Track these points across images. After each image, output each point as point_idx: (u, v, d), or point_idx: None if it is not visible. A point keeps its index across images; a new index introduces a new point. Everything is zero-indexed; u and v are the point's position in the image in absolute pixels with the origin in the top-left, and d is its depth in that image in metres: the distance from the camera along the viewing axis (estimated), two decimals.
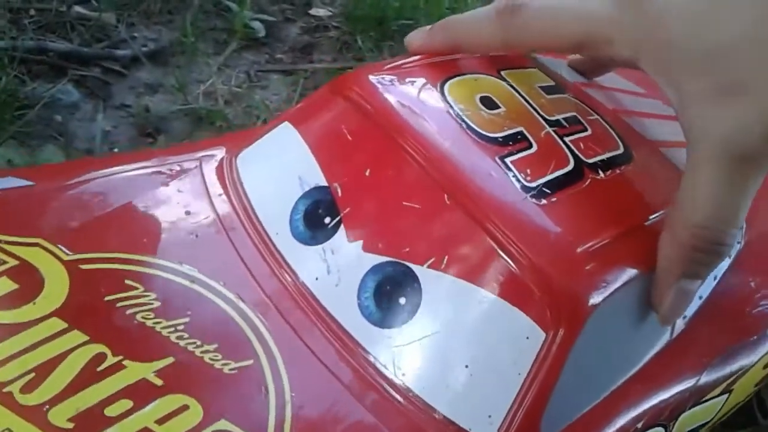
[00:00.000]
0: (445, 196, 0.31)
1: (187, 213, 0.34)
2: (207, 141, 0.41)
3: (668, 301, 0.32)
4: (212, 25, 0.66)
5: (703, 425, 0.39)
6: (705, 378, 0.37)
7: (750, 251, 0.42)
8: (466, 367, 0.30)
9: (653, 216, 0.33)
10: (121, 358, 0.28)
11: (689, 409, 0.37)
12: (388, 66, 0.36)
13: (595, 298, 0.31)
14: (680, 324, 0.37)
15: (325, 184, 0.34)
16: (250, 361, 0.29)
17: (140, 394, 0.27)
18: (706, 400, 0.38)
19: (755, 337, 0.39)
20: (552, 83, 0.39)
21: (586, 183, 0.33)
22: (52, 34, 0.62)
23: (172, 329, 0.29)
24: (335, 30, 0.70)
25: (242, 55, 0.65)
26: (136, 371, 0.28)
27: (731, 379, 0.38)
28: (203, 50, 0.64)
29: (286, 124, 0.36)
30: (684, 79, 0.31)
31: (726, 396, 0.39)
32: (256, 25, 0.67)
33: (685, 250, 0.31)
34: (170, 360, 0.28)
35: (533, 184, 0.32)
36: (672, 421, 0.36)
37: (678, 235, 0.31)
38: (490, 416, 0.30)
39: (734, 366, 0.39)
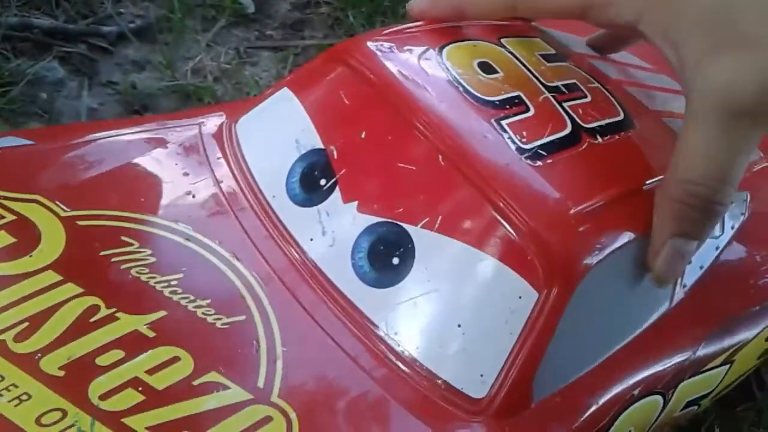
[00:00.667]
0: (439, 156, 0.31)
1: (185, 174, 0.35)
2: (207, 107, 0.42)
3: (662, 259, 0.32)
4: (200, 1, 0.65)
5: (704, 396, 0.39)
6: (705, 347, 0.37)
7: (755, 223, 0.41)
8: (459, 326, 0.30)
9: (651, 181, 0.33)
10: (114, 310, 0.28)
11: (689, 378, 0.37)
12: (387, 32, 0.36)
13: (589, 260, 0.30)
14: (680, 292, 0.36)
15: (322, 146, 0.34)
16: (243, 317, 0.30)
17: (132, 344, 0.28)
18: (707, 370, 0.37)
19: (757, 308, 0.39)
20: (553, 51, 0.39)
21: (583, 147, 0.33)
22: (37, 10, 0.60)
23: (166, 284, 0.30)
24: (326, 6, 0.68)
25: (231, 32, 0.64)
26: (128, 323, 0.28)
27: (732, 350, 0.38)
28: (191, 27, 0.62)
29: (285, 90, 0.37)
30: (682, 38, 0.31)
31: (727, 366, 0.38)
32: (246, 1, 0.66)
33: (678, 206, 0.31)
34: (163, 313, 0.29)
35: (529, 146, 0.32)
36: (671, 389, 0.36)
37: (671, 191, 0.31)
38: (482, 375, 0.30)
39: (735, 337, 0.38)
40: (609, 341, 0.34)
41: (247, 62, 0.61)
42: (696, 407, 0.39)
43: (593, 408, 0.32)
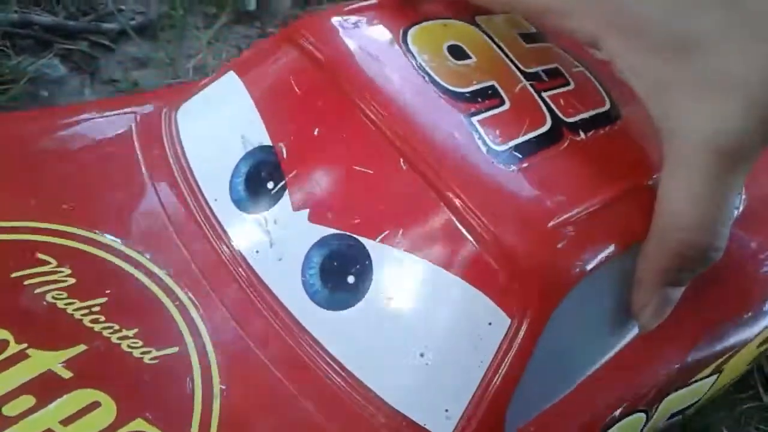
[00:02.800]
0: (401, 160, 0.28)
1: (116, 175, 0.31)
2: (148, 93, 0.37)
3: (650, 310, 0.30)
4: None
5: (689, 406, 0.36)
6: (692, 358, 0.34)
7: (748, 216, 0.38)
8: (422, 355, 0.27)
9: (639, 184, 0.30)
10: (24, 346, 0.25)
11: (674, 392, 0.34)
12: (348, 8, 0.32)
13: (569, 279, 0.27)
14: None
15: (270, 143, 0.30)
16: (175, 349, 0.26)
17: (44, 388, 0.24)
18: (693, 382, 0.35)
19: (749, 314, 0.36)
20: (534, 30, 0.34)
21: (564, 145, 0.29)
22: (37, 6, 0.60)
23: (87, 311, 0.26)
24: (329, 2, 0.68)
25: (233, 29, 0.63)
26: (41, 361, 0.25)
27: (723, 358, 0.35)
28: (193, 24, 0.62)
29: (231, 73, 0.32)
30: (655, 67, 0.28)
31: (715, 377, 0.36)
32: None
33: (672, 258, 0.28)
34: (82, 348, 0.25)
35: (502, 148, 0.28)
36: (654, 405, 0.33)
37: (663, 242, 0.28)
38: (447, 410, 0.27)
39: (726, 344, 0.35)
40: (587, 362, 0.30)
41: None
42: (680, 417, 0.36)
43: None
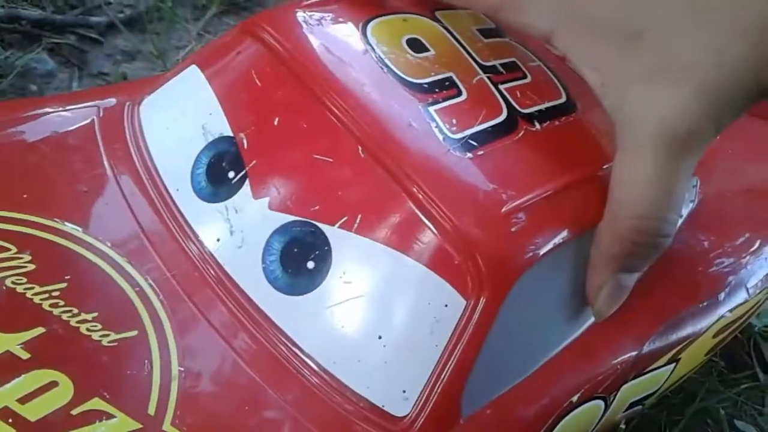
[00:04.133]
0: (359, 148, 0.28)
1: (78, 166, 0.31)
2: (112, 86, 0.38)
3: (604, 297, 0.30)
4: None
5: (648, 396, 0.37)
6: (649, 347, 0.34)
7: (703, 208, 0.39)
8: (380, 338, 0.27)
9: (592, 172, 0.30)
10: None
11: (632, 380, 0.34)
12: (307, 2, 0.33)
13: (523, 262, 0.28)
14: None
15: (230, 134, 0.30)
16: (134, 333, 0.26)
17: (2, 368, 0.24)
18: (651, 370, 0.35)
19: (705, 303, 0.37)
20: (492, 25, 0.35)
21: (519, 135, 0.30)
22: (24, 1, 0.60)
23: (46, 296, 0.26)
24: None
25: (222, 20, 0.63)
26: None
27: (678, 347, 0.36)
28: (182, 16, 0.62)
29: (193, 67, 0.33)
30: (609, 59, 0.28)
31: (673, 365, 0.36)
32: None
33: (624, 244, 0.29)
34: (40, 330, 0.25)
35: (458, 136, 0.29)
36: (612, 393, 0.34)
37: (615, 227, 0.29)
38: (404, 391, 0.27)
39: (682, 334, 0.36)
40: (544, 346, 0.31)
41: None
42: (640, 407, 0.37)
43: (528, 419, 0.30)
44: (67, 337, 0.25)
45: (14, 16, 0.57)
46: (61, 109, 0.33)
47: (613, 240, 0.29)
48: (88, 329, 0.26)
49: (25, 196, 0.29)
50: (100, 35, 0.59)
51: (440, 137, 0.29)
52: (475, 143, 0.29)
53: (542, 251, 0.28)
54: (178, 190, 0.30)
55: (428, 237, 0.27)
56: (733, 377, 0.43)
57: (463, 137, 0.29)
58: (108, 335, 0.26)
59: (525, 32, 0.31)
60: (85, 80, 0.55)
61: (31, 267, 0.27)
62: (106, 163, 0.31)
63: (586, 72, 0.29)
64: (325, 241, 0.28)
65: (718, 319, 0.38)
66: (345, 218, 0.28)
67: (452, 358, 0.27)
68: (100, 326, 0.26)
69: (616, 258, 0.30)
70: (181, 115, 0.32)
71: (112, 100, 0.34)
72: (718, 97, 0.27)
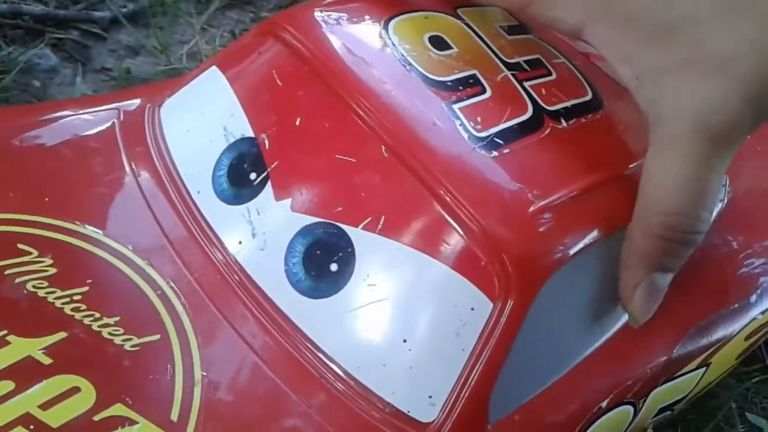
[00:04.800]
0: (383, 148, 0.28)
1: (99, 169, 0.31)
2: (132, 89, 0.37)
3: (639, 298, 0.29)
4: None
5: (678, 401, 0.36)
6: (679, 351, 0.34)
7: (733, 208, 0.38)
8: (404, 341, 0.27)
9: (620, 171, 0.30)
10: (5, 333, 0.25)
11: (662, 384, 0.34)
12: (328, 1, 0.32)
13: (550, 264, 0.27)
14: None
15: (252, 135, 0.30)
16: (157, 337, 0.26)
17: (24, 374, 0.24)
18: (681, 375, 0.34)
19: (736, 305, 0.36)
20: (515, 22, 0.35)
21: (545, 132, 0.30)
22: None
23: (68, 300, 0.26)
24: None
25: (226, 14, 0.63)
26: (21, 348, 0.24)
27: (709, 351, 0.35)
28: (185, 10, 0.61)
29: (214, 68, 0.32)
30: (643, 52, 0.28)
31: (703, 370, 0.36)
32: None
33: (656, 242, 0.28)
34: (62, 335, 0.25)
35: (483, 134, 0.28)
36: (642, 398, 0.33)
37: (647, 225, 0.28)
38: (430, 397, 0.26)
39: (713, 337, 0.35)
40: (573, 350, 0.30)
41: None
42: (670, 412, 0.36)
43: (557, 425, 0.29)
44: (89, 342, 0.25)
45: (17, 11, 0.57)
46: (81, 112, 0.32)
47: (645, 237, 0.28)
48: (110, 333, 0.25)
49: (46, 199, 0.29)
50: (103, 30, 0.58)
51: (465, 136, 0.28)
52: (500, 141, 0.28)
53: (570, 252, 0.28)
54: (199, 192, 0.30)
55: (454, 238, 0.26)
56: (744, 370, 0.42)
57: (488, 135, 0.28)
58: (130, 339, 0.25)
59: (555, 27, 0.31)
60: (89, 75, 0.55)
61: (53, 271, 0.26)
62: (126, 166, 0.31)
63: (619, 66, 0.29)
64: (349, 243, 0.27)
65: (750, 322, 0.37)
66: (369, 219, 0.27)
67: (479, 362, 0.26)
68: (122, 330, 0.26)
69: (648, 256, 0.29)
70: (201, 117, 0.32)
71: (133, 103, 0.33)
72: (757, 90, 0.26)
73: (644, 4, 0.28)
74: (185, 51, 0.57)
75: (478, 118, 0.29)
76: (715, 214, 0.37)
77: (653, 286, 0.29)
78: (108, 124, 0.32)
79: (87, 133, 0.32)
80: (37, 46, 0.55)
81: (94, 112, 0.32)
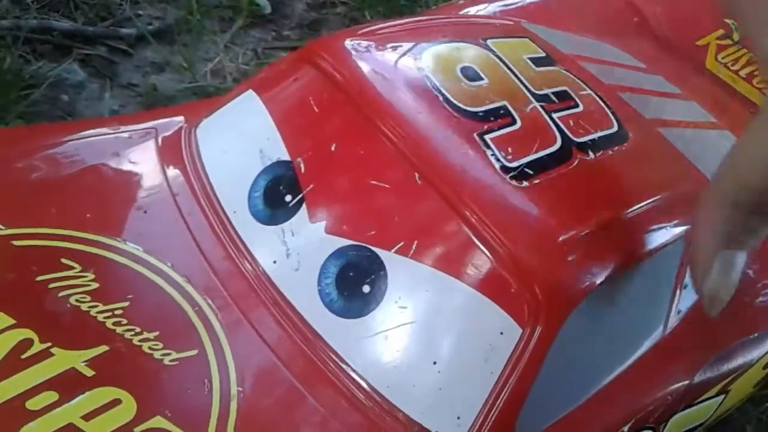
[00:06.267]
0: (416, 175, 0.28)
1: (138, 186, 0.31)
2: (168, 108, 0.38)
3: (714, 276, 0.27)
4: (217, 2, 0.65)
5: (697, 426, 0.37)
6: (699, 378, 0.34)
7: None
8: (434, 363, 0.27)
9: (645, 203, 0.30)
10: (49, 345, 0.25)
11: (682, 410, 0.34)
12: (363, 31, 0.33)
13: (578, 292, 0.28)
14: (674, 318, 0.34)
15: (288, 158, 0.31)
16: (194, 352, 0.27)
17: (67, 385, 0.25)
18: (701, 402, 0.35)
19: (756, 335, 0.36)
20: (543, 54, 0.36)
21: (574, 164, 0.30)
22: (56, 12, 0.60)
23: (110, 314, 0.27)
24: (342, 6, 0.69)
25: (249, 33, 0.64)
26: (64, 360, 0.25)
27: (728, 379, 0.36)
28: (209, 28, 0.63)
29: (250, 92, 0.33)
30: (747, 6, 0.25)
31: (722, 397, 0.36)
32: (262, 1, 0.66)
33: (734, 213, 0.26)
34: (104, 348, 0.26)
35: (514, 164, 0.29)
36: (662, 423, 0.33)
37: (726, 194, 0.26)
38: (459, 418, 0.27)
39: (732, 365, 0.36)
40: (598, 375, 0.31)
41: (266, 63, 0.61)
42: None
43: None
44: (130, 356, 0.26)
45: (46, 27, 0.57)
46: (120, 131, 0.33)
47: (721, 207, 0.26)
48: (150, 348, 0.26)
49: (88, 215, 0.30)
50: (129, 47, 0.59)
51: (496, 165, 0.29)
52: (530, 172, 0.29)
53: (597, 281, 0.28)
54: (235, 212, 0.31)
55: (486, 264, 0.27)
56: (760, 394, 0.43)
57: (519, 166, 0.29)
58: (169, 354, 0.26)
59: None
60: (115, 91, 0.56)
61: (95, 285, 0.27)
62: (165, 184, 0.32)
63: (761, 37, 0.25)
64: (381, 266, 0.28)
65: None
66: (401, 243, 0.28)
67: (507, 386, 0.27)
68: (161, 345, 0.26)
69: (723, 228, 0.26)
70: (238, 139, 0.32)
71: (170, 122, 0.34)
72: None
73: None
74: (209, 68, 0.59)
75: (509, 149, 0.30)
76: None
77: (728, 262, 0.27)
78: (146, 143, 0.33)
79: (126, 151, 0.33)
80: (66, 62, 0.56)
81: (133, 131, 0.33)
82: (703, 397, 0.35)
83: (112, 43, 0.59)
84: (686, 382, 0.34)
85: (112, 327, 0.26)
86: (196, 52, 0.60)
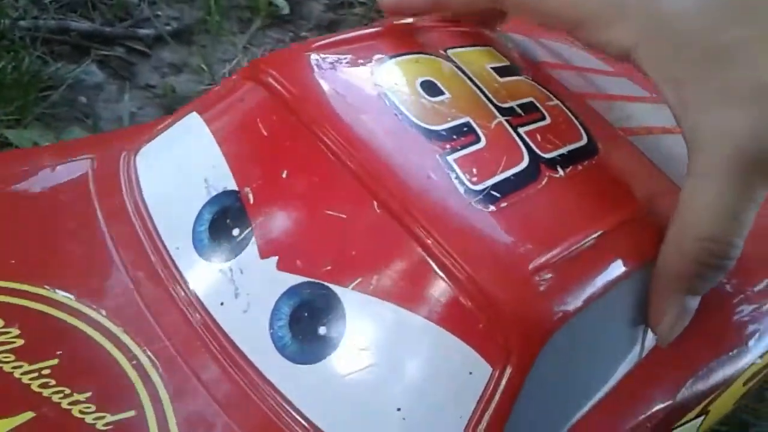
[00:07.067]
0: (375, 203, 0.26)
1: (70, 225, 0.29)
2: (107, 134, 0.36)
3: (669, 320, 0.30)
4: (235, 3, 0.65)
5: None
6: (680, 398, 0.32)
7: None
8: (398, 410, 0.25)
9: (618, 221, 0.28)
10: None
11: None
12: (316, 45, 0.31)
13: (551, 325, 0.26)
14: (651, 339, 0.32)
15: (235, 188, 0.28)
16: (132, 413, 0.24)
17: None
18: (680, 425, 0.33)
19: (735, 351, 0.35)
20: (506, 63, 0.33)
21: (543, 183, 0.28)
22: (74, 13, 0.60)
23: (36, 375, 0.24)
24: (360, 6, 0.69)
25: (267, 34, 0.64)
26: None
27: (708, 399, 0.34)
28: (227, 29, 0.63)
29: (194, 114, 0.31)
30: (691, 79, 0.28)
31: (702, 418, 0.34)
32: (280, 2, 0.66)
33: (691, 265, 0.28)
34: (29, 415, 0.23)
35: (479, 187, 0.27)
36: None
37: (684, 248, 0.28)
38: None
39: (711, 383, 0.34)
40: (573, 406, 0.29)
41: None
42: None
43: None
44: (58, 422, 0.23)
45: (65, 27, 0.57)
46: (53, 162, 0.31)
47: (680, 261, 0.28)
48: (81, 411, 0.23)
49: (12, 261, 0.27)
50: (147, 48, 0.59)
51: (461, 189, 0.27)
52: (497, 194, 0.27)
53: (572, 309, 0.26)
54: (178, 248, 0.28)
55: (450, 298, 0.25)
56: (751, 407, 0.42)
57: (485, 188, 0.27)
58: (103, 417, 0.24)
59: (603, 50, 0.30)
60: (134, 92, 0.55)
61: (20, 342, 0.25)
62: (100, 220, 0.29)
63: (667, 92, 0.28)
64: (339, 304, 0.26)
65: (749, 367, 0.36)
66: (359, 279, 0.26)
67: (478, 430, 0.25)
68: (93, 408, 0.24)
69: (681, 279, 0.29)
70: (181, 167, 0.30)
71: (108, 150, 0.32)
72: None
73: (697, 30, 0.27)
74: (228, 69, 0.59)
75: (474, 170, 0.27)
76: None
77: (683, 308, 0.30)
78: (81, 175, 0.30)
79: (58, 185, 0.30)
80: (84, 63, 0.55)
81: (67, 162, 0.31)
82: (683, 420, 0.33)
83: (130, 43, 0.59)
84: (667, 403, 0.32)
85: (39, 389, 0.24)
86: (214, 53, 0.60)
